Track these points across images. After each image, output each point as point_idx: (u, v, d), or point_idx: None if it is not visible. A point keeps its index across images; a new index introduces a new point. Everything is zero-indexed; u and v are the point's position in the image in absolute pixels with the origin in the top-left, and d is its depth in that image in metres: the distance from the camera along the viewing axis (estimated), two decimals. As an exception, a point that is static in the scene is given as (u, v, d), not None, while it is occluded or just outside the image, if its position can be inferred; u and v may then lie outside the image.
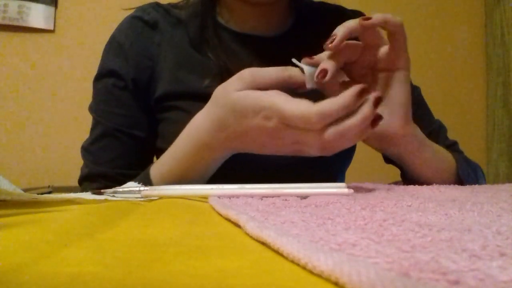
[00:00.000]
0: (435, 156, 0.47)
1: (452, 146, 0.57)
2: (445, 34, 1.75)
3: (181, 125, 0.54)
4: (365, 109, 0.33)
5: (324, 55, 0.39)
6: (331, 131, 0.33)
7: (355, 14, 0.66)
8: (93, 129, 0.56)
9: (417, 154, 0.45)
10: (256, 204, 0.28)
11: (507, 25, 1.63)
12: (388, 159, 0.58)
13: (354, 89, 0.33)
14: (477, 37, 1.76)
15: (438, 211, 0.24)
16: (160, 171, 0.45)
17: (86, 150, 0.55)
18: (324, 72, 0.37)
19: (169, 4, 0.61)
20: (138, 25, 0.56)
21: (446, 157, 0.50)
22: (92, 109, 0.56)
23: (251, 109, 0.36)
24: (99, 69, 0.57)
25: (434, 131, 0.57)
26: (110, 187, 0.38)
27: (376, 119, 0.35)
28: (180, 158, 0.43)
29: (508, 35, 1.63)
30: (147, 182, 0.45)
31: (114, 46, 0.56)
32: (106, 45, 0.58)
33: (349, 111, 0.33)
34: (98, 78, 0.56)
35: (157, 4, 0.60)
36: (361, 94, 0.33)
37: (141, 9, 0.58)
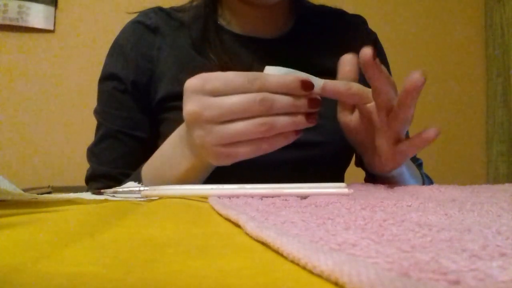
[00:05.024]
0: (411, 175, 0.49)
1: (418, 166, 0.60)
2: (445, 34, 1.75)
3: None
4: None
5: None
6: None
7: (356, 18, 0.66)
8: (97, 131, 0.58)
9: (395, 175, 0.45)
10: (256, 204, 0.28)
11: (507, 25, 1.63)
12: (358, 163, 0.60)
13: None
14: (477, 37, 1.76)
15: (438, 211, 0.24)
16: (148, 171, 0.46)
17: (91, 151, 0.57)
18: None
19: (171, 7, 0.61)
20: (139, 29, 0.58)
21: (417, 176, 0.53)
22: (96, 111, 0.58)
23: None
24: (102, 72, 0.58)
25: None
26: (113, 187, 0.38)
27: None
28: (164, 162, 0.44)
29: (508, 35, 1.62)
30: (138, 180, 0.46)
31: (115, 49, 0.58)
32: (109, 49, 0.59)
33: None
34: (101, 81, 0.58)
35: (160, 8, 0.61)
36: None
37: (143, 13, 0.60)
